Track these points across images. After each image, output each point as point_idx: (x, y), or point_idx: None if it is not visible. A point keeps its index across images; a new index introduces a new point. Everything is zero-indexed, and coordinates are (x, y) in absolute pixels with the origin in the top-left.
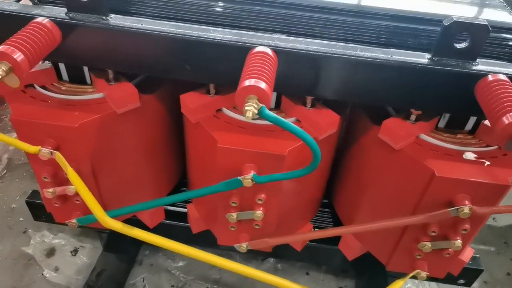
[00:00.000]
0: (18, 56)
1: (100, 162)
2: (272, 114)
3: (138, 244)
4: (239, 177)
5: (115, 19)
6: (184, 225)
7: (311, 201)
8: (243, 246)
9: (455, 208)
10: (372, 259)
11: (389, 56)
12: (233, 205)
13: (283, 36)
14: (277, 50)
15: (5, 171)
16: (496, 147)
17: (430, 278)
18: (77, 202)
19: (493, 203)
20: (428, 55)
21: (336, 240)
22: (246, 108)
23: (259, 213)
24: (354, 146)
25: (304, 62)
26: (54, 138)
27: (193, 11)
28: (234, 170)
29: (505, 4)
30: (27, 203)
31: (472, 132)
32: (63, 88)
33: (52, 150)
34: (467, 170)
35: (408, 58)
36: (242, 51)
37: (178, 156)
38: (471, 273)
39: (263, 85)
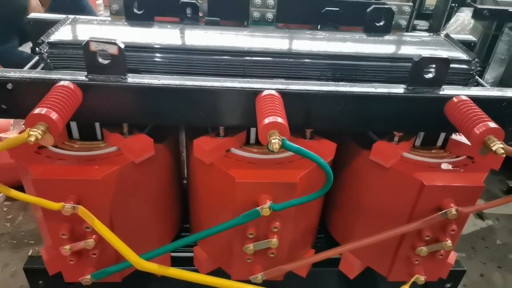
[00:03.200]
0: (54, 115)
1: (117, 211)
2: (293, 144)
3: None
4: (257, 208)
5: (133, 77)
6: (190, 269)
7: (313, 226)
8: (259, 277)
9: (444, 211)
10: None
11: (374, 89)
12: (250, 236)
13: (282, 80)
14: (281, 92)
15: None
16: (465, 157)
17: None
18: (94, 256)
19: (473, 203)
20: (403, 86)
21: (335, 263)
22: (272, 141)
23: (275, 241)
24: (345, 171)
25: (306, 100)
26: (76, 193)
27: (201, 65)
28: (251, 202)
29: (449, 41)
30: (25, 270)
31: (443, 147)
32: (76, 146)
33: (75, 205)
34: (449, 177)
35: (390, 90)
36: (250, 96)
37: (180, 203)
38: (456, 274)
39: (281, 120)
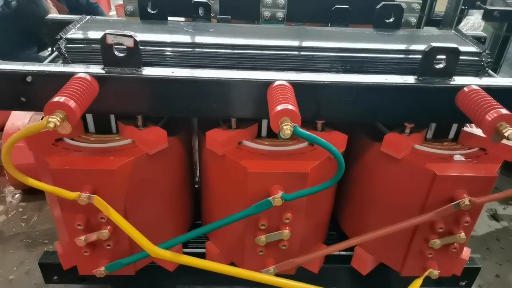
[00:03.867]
0: (72, 104)
1: (131, 203)
2: (305, 131)
3: None
4: (269, 198)
5: (148, 70)
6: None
7: (325, 221)
8: (271, 270)
9: (457, 202)
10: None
11: (385, 79)
12: (262, 227)
13: (293, 73)
14: (292, 82)
15: None
16: (477, 148)
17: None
18: (108, 247)
19: (486, 194)
20: (414, 77)
21: (347, 259)
22: (284, 127)
23: (286, 232)
24: (356, 164)
25: (317, 91)
26: (91, 183)
27: (213, 58)
28: (262, 193)
29: (459, 35)
30: (40, 264)
31: (455, 139)
32: (92, 138)
33: (90, 195)
34: (462, 168)
35: (400, 80)
36: (262, 87)
37: (192, 200)
38: (471, 272)
39: (292, 107)
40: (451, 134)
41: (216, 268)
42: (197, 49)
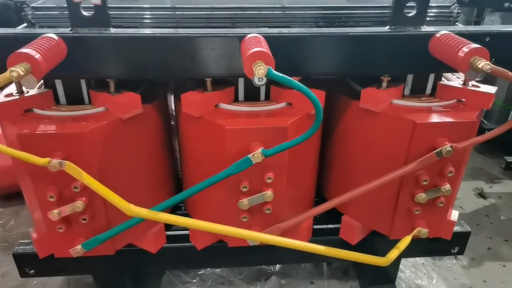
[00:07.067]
0: (37, 55)
1: (106, 171)
2: (279, 73)
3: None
4: (248, 155)
5: (116, 30)
6: (187, 246)
7: (309, 189)
8: None
9: (438, 149)
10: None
11: (359, 30)
12: (244, 190)
13: (265, 28)
14: (265, 35)
15: None
16: (455, 100)
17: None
18: (84, 222)
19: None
20: (387, 27)
21: (335, 232)
22: (257, 68)
23: (269, 193)
24: (336, 127)
25: (290, 45)
26: (62, 149)
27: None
28: (241, 152)
29: None
30: (14, 255)
31: (432, 95)
32: (63, 109)
33: (62, 161)
34: (441, 116)
35: (373, 30)
36: (235, 42)
37: (172, 174)
38: (461, 237)
39: (265, 49)
40: (428, 90)
41: (197, 225)
42: (173, 12)
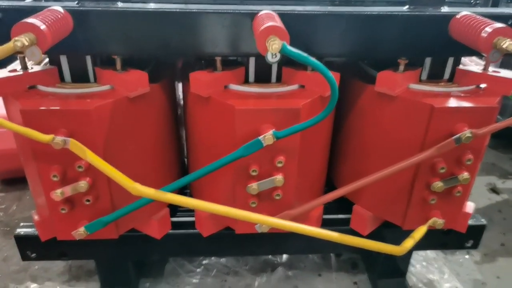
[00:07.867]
0: (42, 26)
1: (110, 150)
2: (293, 49)
3: (138, 276)
4: (259, 137)
5: (124, 4)
6: (192, 233)
7: (320, 173)
8: (264, 225)
9: (457, 135)
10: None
11: (376, 10)
12: (254, 173)
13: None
14: (278, 12)
15: None
16: (474, 86)
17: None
18: (88, 203)
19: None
20: (405, 7)
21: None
22: (271, 43)
23: (280, 177)
24: (351, 112)
25: (306, 23)
26: (66, 127)
27: None
28: (252, 134)
29: None
30: (16, 237)
31: (450, 80)
32: (68, 86)
33: (66, 138)
34: (460, 101)
35: (391, 9)
36: (246, 19)
37: (178, 157)
38: (476, 230)
39: (280, 24)
40: (446, 74)
41: (205, 207)
42: None
